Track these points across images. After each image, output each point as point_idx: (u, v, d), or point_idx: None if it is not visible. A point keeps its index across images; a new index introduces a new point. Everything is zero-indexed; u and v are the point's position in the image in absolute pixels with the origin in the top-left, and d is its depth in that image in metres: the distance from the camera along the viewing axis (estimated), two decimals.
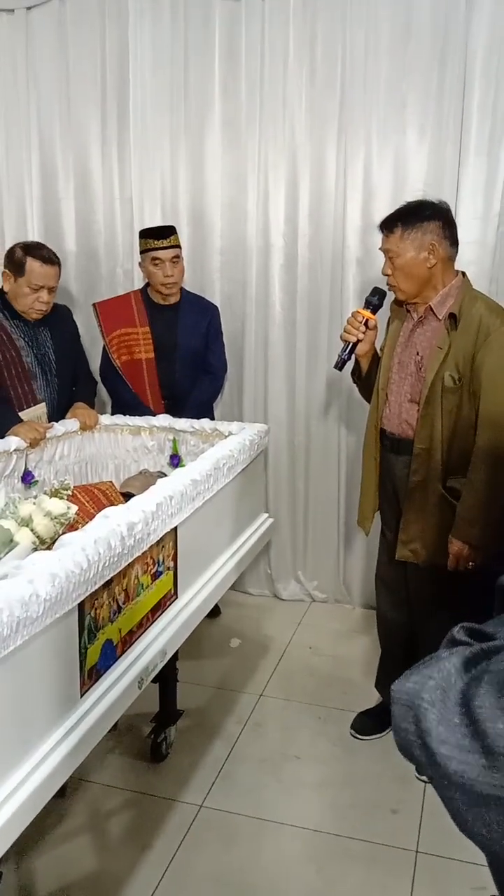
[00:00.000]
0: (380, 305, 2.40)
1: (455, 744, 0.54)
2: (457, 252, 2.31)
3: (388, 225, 2.27)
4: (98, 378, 3.21)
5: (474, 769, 0.52)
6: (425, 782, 2.34)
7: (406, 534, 2.35)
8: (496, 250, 3.04)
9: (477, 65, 2.92)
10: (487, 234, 3.02)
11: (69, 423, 2.80)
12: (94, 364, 3.28)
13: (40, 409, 2.75)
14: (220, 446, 2.40)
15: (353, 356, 2.42)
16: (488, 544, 2.22)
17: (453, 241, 2.27)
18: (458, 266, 2.41)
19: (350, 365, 2.48)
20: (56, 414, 2.82)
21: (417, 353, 2.28)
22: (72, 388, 2.95)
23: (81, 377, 3.04)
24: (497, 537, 2.24)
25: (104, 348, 3.15)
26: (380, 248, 2.33)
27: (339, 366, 2.43)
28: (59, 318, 2.90)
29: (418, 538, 2.32)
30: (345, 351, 2.40)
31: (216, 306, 3.28)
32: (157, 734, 2.45)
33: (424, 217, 2.22)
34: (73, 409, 2.88)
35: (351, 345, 2.38)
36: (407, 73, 3.01)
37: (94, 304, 3.21)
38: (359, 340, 2.38)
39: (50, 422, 2.73)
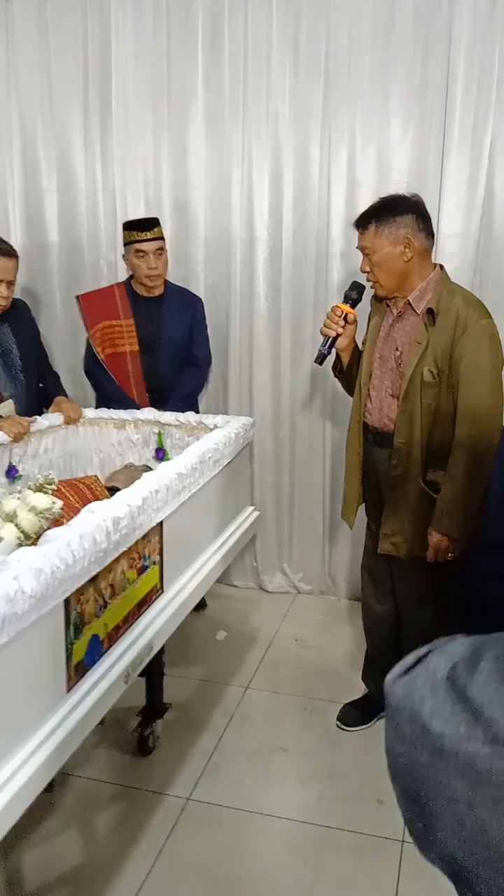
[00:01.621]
0: (359, 300, 2.41)
1: (455, 735, 0.54)
2: (433, 244, 2.32)
3: (362, 222, 2.27)
4: (64, 371, 3.17)
5: (485, 760, 0.52)
6: None
7: (388, 527, 2.36)
8: (479, 242, 3.05)
9: (460, 58, 2.92)
10: (471, 225, 3.03)
11: (53, 417, 2.78)
12: (78, 357, 3.26)
13: (8, 407, 2.70)
14: (206, 439, 2.40)
15: (333, 350, 2.43)
16: (467, 536, 2.23)
17: (428, 234, 2.28)
18: (442, 257, 2.41)
19: (331, 359, 2.48)
20: (24, 411, 2.75)
21: (397, 349, 2.28)
22: (38, 385, 2.91)
23: (46, 372, 3.00)
24: (475, 529, 2.26)
25: (87, 341, 3.13)
26: (357, 247, 2.33)
27: (320, 360, 2.44)
28: (19, 314, 2.84)
29: (399, 532, 2.33)
30: (324, 345, 2.40)
31: (200, 298, 3.27)
32: (143, 728, 2.45)
33: (398, 212, 2.23)
34: (55, 403, 2.85)
35: (331, 339, 2.39)
36: (390, 66, 3.01)
37: (77, 297, 3.19)
38: (338, 335, 2.38)
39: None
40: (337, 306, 2.39)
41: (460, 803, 0.54)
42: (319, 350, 2.42)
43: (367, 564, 2.61)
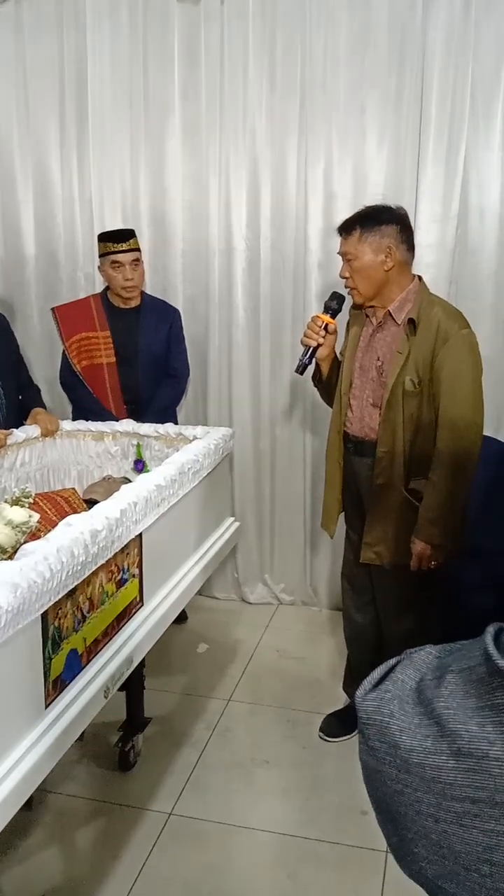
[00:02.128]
0: (339, 310, 2.42)
1: (422, 749, 0.53)
2: (413, 257, 2.33)
3: (346, 228, 2.29)
4: (41, 383, 3.15)
5: (450, 773, 0.52)
6: None
7: (370, 536, 2.36)
8: (455, 253, 3.07)
9: (434, 71, 2.95)
10: (446, 236, 3.05)
11: (30, 430, 2.76)
12: (55, 369, 3.24)
13: None
14: (185, 451, 2.39)
15: (313, 360, 2.43)
16: (449, 544, 2.24)
17: (410, 246, 2.30)
18: (418, 268, 2.43)
19: (311, 369, 2.49)
20: (2, 424, 2.74)
21: (378, 359, 2.29)
22: (17, 397, 2.89)
23: (25, 384, 2.99)
24: (458, 537, 2.27)
25: (63, 353, 3.11)
26: (338, 252, 2.34)
27: (301, 370, 2.44)
28: None
29: (382, 541, 2.33)
30: (305, 355, 2.41)
31: (177, 309, 3.27)
32: (124, 743, 2.43)
33: (382, 220, 2.25)
34: (32, 414, 2.83)
35: (311, 349, 2.39)
36: (365, 80, 3.04)
37: (52, 309, 3.17)
38: (319, 345, 2.38)
39: None
40: (317, 316, 2.40)
41: (428, 818, 0.54)
42: (300, 360, 2.42)
43: (347, 575, 2.61)
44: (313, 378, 2.57)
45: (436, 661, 0.60)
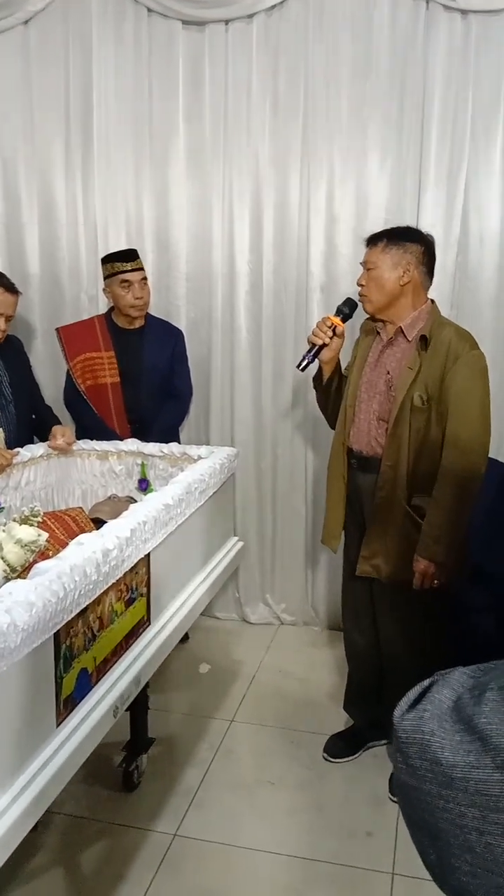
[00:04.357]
0: (349, 315, 2.45)
1: (465, 764, 0.55)
2: (431, 283, 2.38)
3: (374, 239, 2.36)
4: (55, 405, 3.17)
5: (495, 787, 0.54)
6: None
7: (368, 549, 2.37)
8: (455, 277, 3.12)
9: (435, 96, 3.01)
10: (447, 261, 3.09)
11: (35, 449, 2.77)
12: (59, 390, 3.26)
13: None
14: (192, 470, 2.41)
15: (316, 360, 2.45)
16: (452, 562, 2.25)
17: (430, 270, 2.36)
18: None
19: (313, 369, 2.50)
20: (13, 443, 2.75)
21: (388, 373, 2.32)
22: (30, 417, 2.91)
23: (41, 407, 3.01)
24: (460, 556, 2.28)
25: (68, 373, 3.14)
26: (360, 262, 2.39)
27: (303, 366, 2.44)
28: (13, 349, 2.88)
29: (381, 554, 2.34)
30: (309, 353, 2.42)
31: (181, 330, 3.30)
32: (128, 763, 2.42)
33: (410, 238, 2.32)
34: (53, 431, 2.84)
35: (316, 348, 2.41)
36: (367, 105, 3.09)
37: (57, 329, 3.20)
38: (324, 344, 2.41)
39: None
40: (327, 317, 2.43)
41: (471, 831, 0.56)
42: (304, 356, 2.43)
43: (347, 596, 2.60)
44: (314, 380, 2.58)
45: (471, 680, 0.61)
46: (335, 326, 2.40)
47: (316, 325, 2.44)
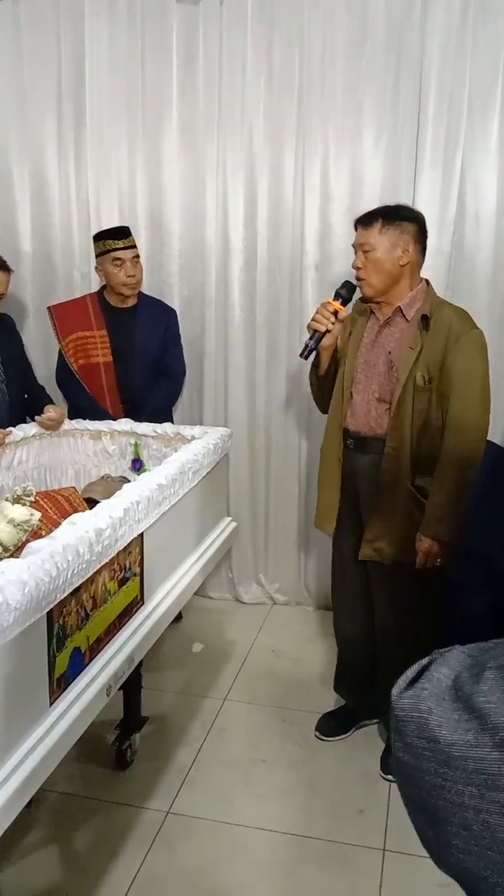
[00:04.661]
0: (349, 299, 2.41)
1: (464, 742, 0.55)
2: (424, 260, 2.35)
3: (366, 219, 2.29)
4: (48, 384, 3.15)
5: (493, 765, 0.54)
6: (391, 781, 2.37)
7: (371, 532, 2.35)
8: (451, 258, 3.10)
9: (432, 74, 2.97)
10: (443, 241, 3.07)
11: (27, 428, 2.76)
12: (51, 369, 3.24)
13: None
14: (186, 450, 2.40)
15: (318, 346, 2.41)
16: (456, 541, 2.26)
17: (423, 248, 2.33)
18: None
19: (313, 356, 2.47)
20: (5, 423, 2.74)
21: (389, 353, 2.29)
22: (22, 397, 2.89)
23: (34, 386, 2.99)
24: (460, 536, 2.28)
25: (60, 352, 3.11)
26: (352, 244, 2.34)
27: (306, 354, 2.40)
28: (5, 327, 2.86)
29: (384, 536, 2.33)
30: (311, 339, 2.38)
31: (174, 310, 3.28)
32: (121, 741, 2.43)
33: (404, 217, 2.28)
34: (46, 409, 2.83)
35: (319, 334, 2.37)
36: (363, 82, 3.05)
37: (48, 308, 3.16)
38: (328, 330, 2.37)
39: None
40: (329, 302, 2.37)
41: (469, 809, 0.56)
42: (307, 343, 2.38)
43: (339, 582, 2.58)
44: (311, 366, 2.54)
45: (469, 659, 0.61)
46: (336, 311, 2.37)
47: (316, 310, 2.38)
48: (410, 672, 0.64)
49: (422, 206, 3.04)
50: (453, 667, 0.61)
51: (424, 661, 0.65)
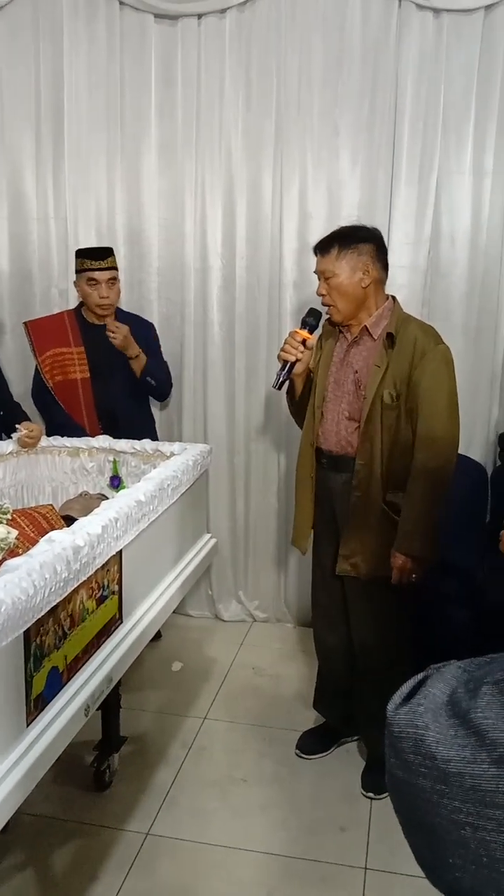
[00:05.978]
0: (316, 326, 2.43)
1: (460, 759, 0.54)
2: (387, 276, 2.37)
3: (323, 246, 2.32)
4: (25, 402, 3.13)
5: (491, 781, 0.53)
6: (372, 799, 2.36)
7: (346, 548, 2.36)
8: (427, 274, 3.14)
9: (407, 94, 3.02)
10: (419, 258, 3.11)
11: (3, 445, 2.74)
12: (28, 386, 3.21)
13: None
14: (165, 466, 2.39)
15: (290, 375, 2.44)
16: (428, 556, 2.26)
17: (384, 265, 2.34)
18: (391, 289, 2.48)
19: (286, 384, 2.49)
20: None
21: (356, 372, 2.32)
22: None
23: (9, 403, 2.96)
24: (434, 550, 2.29)
25: (36, 369, 3.09)
26: (314, 271, 2.36)
27: (278, 385, 2.42)
28: None
29: (359, 552, 2.34)
30: (283, 370, 2.41)
31: (152, 324, 3.27)
32: (100, 762, 2.40)
33: (360, 239, 2.29)
34: (22, 425, 2.80)
35: (290, 364, 2.39)
36: (339, 102, 3.09)
37: (24, 323, 3.14)
38: (297, 360, 2.40)
39: None
40: (296, 332, 2.39)
41: (466, 826, 0.55)
42: (278, 374, 2.40)
43: (319, 597, 2.58)
44: (287, 393, 2.58)
45: (465, 674, 0.61)
46: (305, 340, 2.38)
47: (285, 341, 2.40)
48: (405, 688, 0.63)
49: (398, 224, 3.10)
50: (449, 682, 0.61)
51: (419, 676, 0.64)
